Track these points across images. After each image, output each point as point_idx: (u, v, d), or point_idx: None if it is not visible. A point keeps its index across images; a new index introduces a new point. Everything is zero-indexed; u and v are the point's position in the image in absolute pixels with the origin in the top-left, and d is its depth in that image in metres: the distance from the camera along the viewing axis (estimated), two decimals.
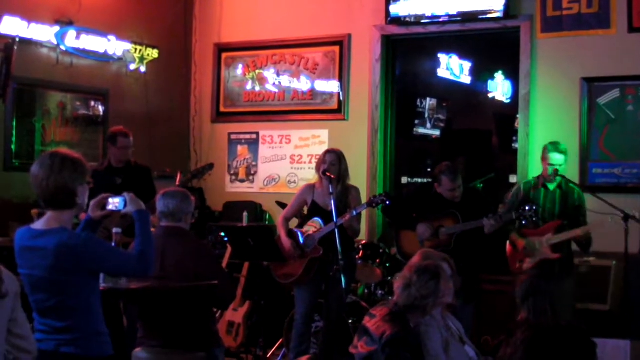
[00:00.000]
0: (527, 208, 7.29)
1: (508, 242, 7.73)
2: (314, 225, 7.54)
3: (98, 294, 4.36)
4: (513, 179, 9.67)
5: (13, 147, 8.95)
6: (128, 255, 4.43)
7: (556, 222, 7.45)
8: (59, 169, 4.21)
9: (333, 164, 7.49)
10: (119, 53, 9.89)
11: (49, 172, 4.21)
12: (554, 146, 7.63)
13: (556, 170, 7.55)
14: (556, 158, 7.54)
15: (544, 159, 7.66)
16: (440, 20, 9.42)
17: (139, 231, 4.44)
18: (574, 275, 7.58)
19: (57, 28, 9.17)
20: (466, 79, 12.52)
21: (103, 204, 4.63)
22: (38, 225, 4.29)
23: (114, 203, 4.57)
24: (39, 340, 4.29)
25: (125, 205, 4.53)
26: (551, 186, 7.60)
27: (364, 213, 8.01)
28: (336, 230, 7.05)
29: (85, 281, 4.24)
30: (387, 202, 7.47)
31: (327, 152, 7.68)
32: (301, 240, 7.55)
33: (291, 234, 7.62)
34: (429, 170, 11.86)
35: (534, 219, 7.36)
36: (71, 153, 4.34)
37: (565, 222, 7.44)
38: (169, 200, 5.91)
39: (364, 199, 7.77)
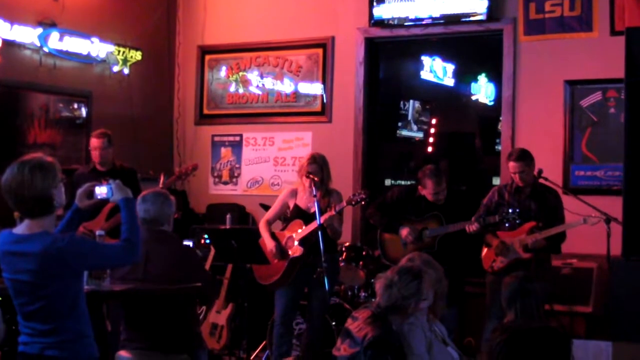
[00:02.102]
0: (510, 211, 7.34)
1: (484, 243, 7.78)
2: (296, 227, 7.55)
3: (83, 297, 4.33)
4: (496, 181, 9.70)
5: None
6: (113, 246, 4.40)
7: (530, 223, 7.49)
8: (30, 179, 4.15)
9: (315, 172, 7.46)
10: (102, 55, 9.87)
11: (20, 184, 4.15)
12: (509, 155, 7.70)
13: (540, 172, 7.59)
14: (511, 165, 7.59)
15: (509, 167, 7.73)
16: (424, 22, 9.44)
17: (125, 219, 4.41)
18: (549, 279, 7.60)
19: (40, 30, 9.14)
20: (449, 82, 12.54)
21: (90, 192, 4.62)
22: (20, 229, 4.25)
23: (101, 192, 4.55)
24: (24, 343, 4.27)
25: (112, 194, 4.51)
26: (525, 189, 7.62)
27: (347, 216, 8.01)
28: (320, 233, 7.05)
29: (70, 284, 4.22)
30: (365, 199, 7.46)
31: (308, 160, 7.60)
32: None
33: (274, 237, 7.63)
34: (412, 172, 11.88)
35: (518, 222, 7.40)
36: (38, 158, 4.27)
37: (539, 223, 7.47)
38: (149, 205, 5.86)
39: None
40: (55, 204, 4.22)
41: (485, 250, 7.74)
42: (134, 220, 4.43)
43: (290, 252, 7.50)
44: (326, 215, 7.24)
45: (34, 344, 4.24)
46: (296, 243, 7.48)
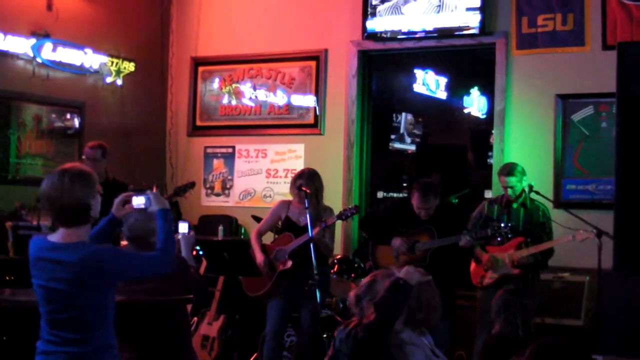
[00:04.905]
0: (502, 225, 7.34)
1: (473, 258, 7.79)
2: (286, 240, 7.56)
3: (113, 307, 4.32)
4: (488, 194, 9.72)
5: None
6: (148, 256, 4.38)
7: (518, 239, 7.50)
8: (70, 187, 4.13)
9: (305, 185, 7.48)
10: (96, 66, 9.88)
11: (60, 192, 4.13)
12: (501, 169, 7.74)
13: (531, 187, 7.61)
14: (505, 180, 7.61)
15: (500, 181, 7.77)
16: (417, 36, 9.46)
17: (161, 229, 4.40)
18: (539, 292, 7.61)
19: (33, 40, 9.15)
20: (442, 95, 12.60)
21: (126, 202, 4.62)
22: (55, 237, 4.22)
23: (139, 202, 4.56)
24: (47, 352, 4.23)
25: (150, 204, 4.51)
26: (514, 204, 7.64)
27: (338, 229, 8.01)
28: (311, 245, 7.06)
29: (104, 295, 4.20)
30: (356, 213, 7.51)
31: (299, 176, 7.63)
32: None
33: (264, 250, 7.64)
34: (404, 185, 11.91)
35: (510, 236, 7.41)
36: (79, 167, 4.27)
37: (528, 239, 7.49)
38: (132, 222, 5.78)
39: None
40: (92, 213, 4.22)
41: (473, 265, 7.76)
42: (170, 230, 4.42)
43: (279, 266, 7.51)
44: (316, 230, 7.26)
45: (58, 354, 4.19)
46: (286, 256, 7.49)
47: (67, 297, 4.15)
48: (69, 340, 4.19)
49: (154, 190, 8.43)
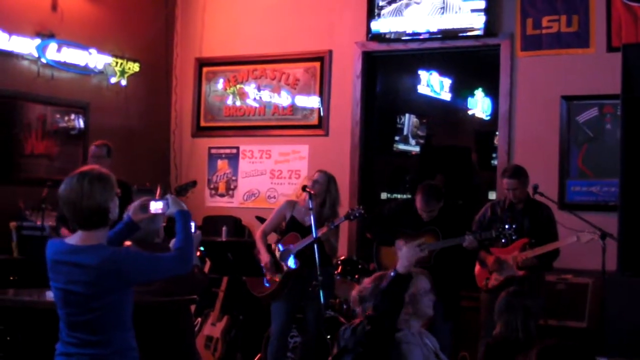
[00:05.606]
0: (507, 227, 7.32)
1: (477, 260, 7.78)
2: (292, 240, 7.56)
3: (131, 308, 4.33)
4: (492, 195, 9.71)
5: None
6: (166, 257, 4.36)
7: (522, 240, 7.49)
8: (89, 191, 4.11)
9: (318, 182, 7.51)
10: (100, 66, 9.89)
11: (80, 195, 4.11)
12: (504, 171, 7.73)
13: (535, 188, 7.60)
14: (505, 182, 7.59)
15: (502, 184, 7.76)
16: (421, 37, 9.46)
17: (180, 229, 4.40)
18: (543, 294, 7.60)
19: (38, 41, 9.16)
20: (446, 96, 12.58)
21: (144, 206, 4.61)
22: (73, 240, 4.20)
23: (157, 207, 4.55)
24: (67, 354, 4.22)
25: (168, 207, 4.51)
26: (518, 205, 7.63)
27: (343, 230, 7.99)
28: (315, 246, 7.06)
29: (122, 296, 4.19)
30: (364, 214, 7.50)
31: (319, 170, 7.71)
32: (281, 248, 7.58)
33: (269, 250, 7.63)
34: (407, 186, 11.90)
35: (514, 237, 7.40)
36: (98, 170, 4.25)
37: (532, 240, 7.48)
38: None
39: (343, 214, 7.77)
40: (110, 216, 4.21)
41: (478, 267, 7.75)
42: (188, 231, 4.42)
43: (283, 266, 7.51)
44: (324, 229, 7.26)
45: (79, 356, 4.19)
46: (292, 256, 7.49)
47: (85, 300, 4.14)
48: (88, 342, 4.18)
49: (158, 190, 8.48)
